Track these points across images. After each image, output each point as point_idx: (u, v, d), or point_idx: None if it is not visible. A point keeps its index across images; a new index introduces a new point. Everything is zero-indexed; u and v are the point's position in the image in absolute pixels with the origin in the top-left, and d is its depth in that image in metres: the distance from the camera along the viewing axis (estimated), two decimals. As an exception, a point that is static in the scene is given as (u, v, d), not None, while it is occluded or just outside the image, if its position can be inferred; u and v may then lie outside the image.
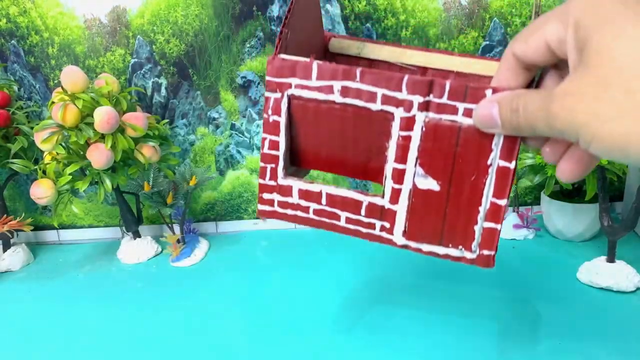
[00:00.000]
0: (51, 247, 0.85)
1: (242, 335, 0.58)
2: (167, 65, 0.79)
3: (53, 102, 0.67)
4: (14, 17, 0.76)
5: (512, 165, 0.33)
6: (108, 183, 0.69)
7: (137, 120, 0.69)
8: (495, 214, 0.35)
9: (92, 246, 0.85)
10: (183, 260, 0.76)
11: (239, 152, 0.85)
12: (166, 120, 0.81)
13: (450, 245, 0.37)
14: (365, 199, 0.38)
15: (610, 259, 0.64)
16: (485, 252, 0.36)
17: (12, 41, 0.77)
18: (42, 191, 0.68)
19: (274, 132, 0.38)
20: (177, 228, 0.83)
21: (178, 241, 0.77)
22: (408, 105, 0.34)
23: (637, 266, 0.64)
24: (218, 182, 0.86)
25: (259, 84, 0.81)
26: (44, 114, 0.81)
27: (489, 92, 0.31)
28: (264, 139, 0.38)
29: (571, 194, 0.76)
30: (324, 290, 0.66)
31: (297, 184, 0.39)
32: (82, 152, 0.68)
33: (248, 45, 0.79)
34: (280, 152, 0.38)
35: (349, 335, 0.56)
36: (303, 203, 0.40)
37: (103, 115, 0.65)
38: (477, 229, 0.35)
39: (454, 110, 0.33)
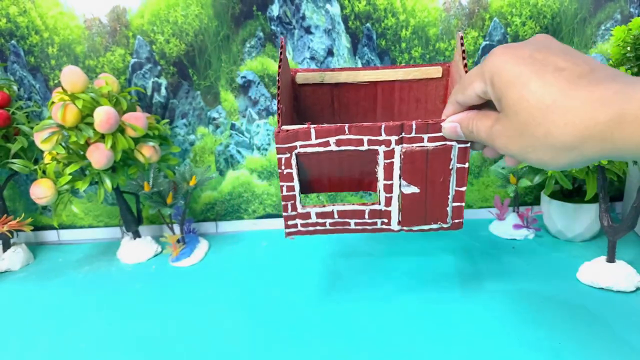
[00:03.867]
0: (51, 247, 0.85)
1: (242, 335, 0.58)
2: (167, 65, 0.79)
3: (53, 102, 0.67)
4: (13, 17, 0.76)
5: (466, 165, 0.48)
6: (108, 183, 0.69)
7: (137, 120, 0.69)
8: (460, 196, 0.51)
9: (91, 246, 0.85)
10: (183, 260, 0.76)
11: (239, 152, 0.85)
12: (166, 120, 0.81)
13: (432, 222, 0.52)
14: (367, 208, 0.52)
15: (611, 259, 0.64)
16: (457, 220, 0.52)
17: (12, 41, 0.77)
18: (42, 191, 0.68)
19: (288, 180, 0.50)
20: (177, 228, 0.83)
21: (178, 241, 0.77)
22: (387, 143, 0.47)
23: (637, 266, 0.64)
24: (218, 182, 0.86)
25: (259, 84, 0.81)
26: (44, 114, 0.81)
27: (443, 124, 0.45)
28: (282, 186, 0.50)
29: (571, 193, 0.76)
30: (323, 290, 0.66)
31: (313, 210, 0.52)
32: (82, 152, 0.68)
33: (248, 45, 0.79)
34: (296, 192, 0.51)
35: (349, 334, 0.56)
36: (320, 220, 0.53)
37: (103, 115, 0.65)
38: (449, 209, 0.51)
39: (421, 140, 0.47)
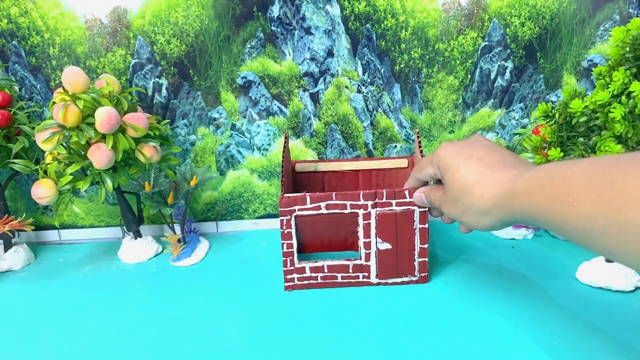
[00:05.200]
0: (52, 247, 0.85)
1: (242, 335, 0.58)
2: (167, 65, 0.80)
3: (54, 103, 0.67)
4: (15, 18, 0.77)
5: (426, 226, 0.62)
6: (109, 183, 0.70)
7: (138, 120, 0.69)
8: (424, 252, 0.63)
9: (92, 246, 0.85)
10: (183, 260, 0.76)
11: (239, 152, 0.85)
12: (167, 121, 0.81)
13: (403, 276, 0.64)
14: (351, 263, 0.64)
15: (609, 259, 0.64)
16: (423, 274, 0.65)
17: (13, 42, 0.78)
18: (43, 191, 0.68)
19: (288, 238, 0.62)
20: (177, 228, 0.83)
21: (179, 241, 0.78)
22: (365, 207, 0.61)
23: (635, 266, 0.64)
24: (218, 182, 0.86)
25: (259, 84, 0.81)
26: (45, 114, 0.82)
27: (406, 192, 0.60)
28: (283, 244, 0.62)
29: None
30: (324, 289, 0.66)
31: (308, 265, 0.64)
32: (83, 152, 0.69)
33: (248, 46, 0.79)
34: (294, 249, 0.63)
35: (350, 333, 0.57)
36: (313, 274, 0.64)
37: (104, 116, 0.65)
38: (416, 263, 0.64)
39: (391, 204, 0.61)
